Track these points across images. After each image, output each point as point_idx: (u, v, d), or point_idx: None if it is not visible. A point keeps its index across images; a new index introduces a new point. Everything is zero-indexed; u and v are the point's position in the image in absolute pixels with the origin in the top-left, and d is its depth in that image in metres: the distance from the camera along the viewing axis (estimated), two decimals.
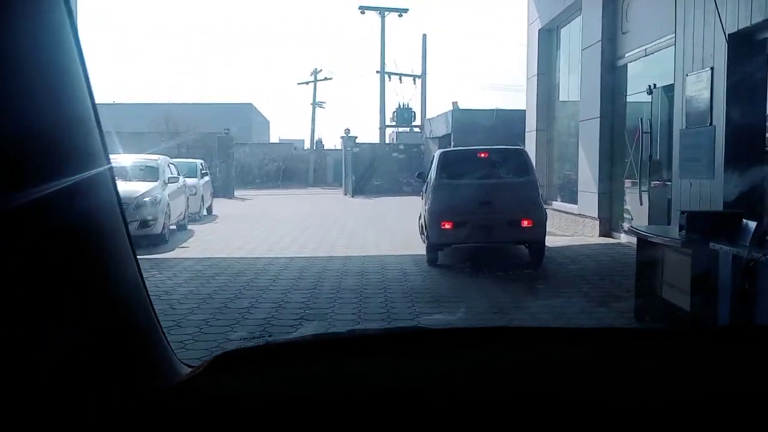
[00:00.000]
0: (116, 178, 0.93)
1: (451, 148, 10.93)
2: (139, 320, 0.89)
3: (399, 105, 38.46)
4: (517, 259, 10.39)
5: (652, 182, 10.59)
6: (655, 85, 10.60)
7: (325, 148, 43.66)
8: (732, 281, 4.68)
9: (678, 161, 9.15)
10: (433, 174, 10.44)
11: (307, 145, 46.44)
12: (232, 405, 0.80)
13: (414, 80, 38.52)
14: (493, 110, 29.82)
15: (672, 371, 0.91)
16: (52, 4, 0.78)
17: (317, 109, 49.08)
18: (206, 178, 19.62)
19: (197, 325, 6.19)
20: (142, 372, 0.86)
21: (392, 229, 15.16)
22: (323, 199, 29.21)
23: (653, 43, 10.67)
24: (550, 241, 10.79)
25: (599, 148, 12.28)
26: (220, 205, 22.39)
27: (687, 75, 8.97)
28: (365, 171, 32.16)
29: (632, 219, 11.87)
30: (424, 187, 11.84)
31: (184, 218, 14.82)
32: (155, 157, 14.17)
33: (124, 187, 11.00)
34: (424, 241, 12.34)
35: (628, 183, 12.03)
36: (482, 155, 10.75)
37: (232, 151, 31.89)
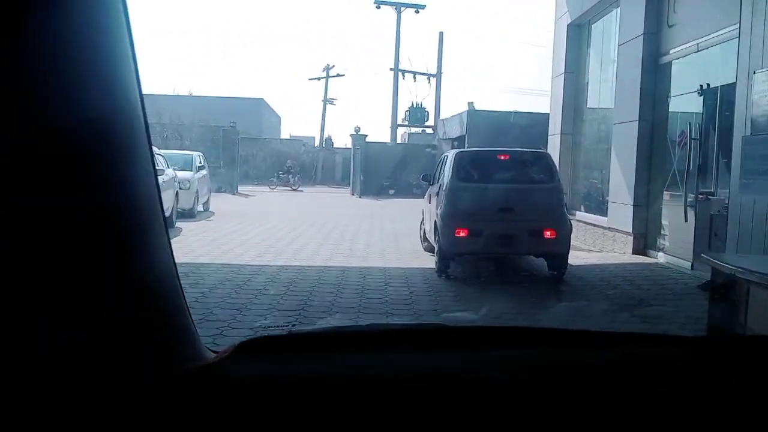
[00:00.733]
0: None
1: (469, 149, 9.50)
2: (168, 305, 0.89)
3: (412, 104, 37.07)
4: (535, 272, 9.05)
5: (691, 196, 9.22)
6: (708, 84, 9.20)
7: (335, 146, 42.44)
8: None
9: (739, 173, 7.75)
10: (447, 176, 9.10)
11: (317, 143, 45.20)
12: (255, 390, 0.83)
13: (428, 79, 37.14)
14: (510, 112, 28.44)
15: (689, 376, 0.92)
16: None
17: (328, 107, 47.91)
18: (203, 172, 18.31)
19: None
20: (168, 356, 0.86)
21: (400, 235, 13.80)
22: (329, 198, 27.89)
23: (708, 37, 9.27)
24: (576, 258, 9.44)
25: (637, 154, 10.88)
26: (219, 202, 21.12)
27: (755, 73, 7.58)
28: (374, 171, 30.81)
29: (668, 236, 10.49)
30: (430, 190, 10.51)
31: (171, 214, 13.53)
32: None
33: None
34: (425, 250, 11.05)
35: (665, 195, 10.66)
36: (502, 157, 9.40)
37: (238, 145, 30.57)
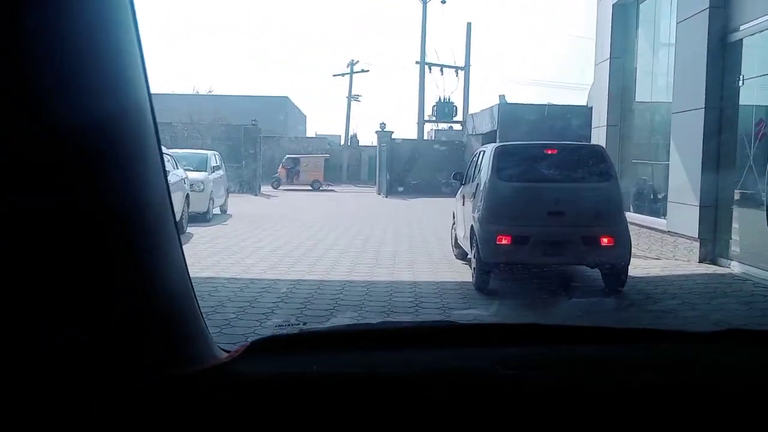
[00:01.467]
0: None
1: (510, 142, 8.19)
2: (180, 305, 0.89)
3: (439, 99, 35.70)
4: (590, 285, 7.76)
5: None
6: None
7: (361, 143, 41.30)
8: None
9: None
10: (485, 174, 7.83)
11: (342, 141, 44.13)
12: (267, 389, 0.84)
13: (456, 72, 35.77)
14: (544, 105, 26.97)
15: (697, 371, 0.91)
16: None
17: (353, 103, 46.79)
18: (219, 173, 17.21)
19: None
20: (181, 355, 0.86)
21: (430, 241, 12.53)
22: (354, 198, 26.71)
23: None
24: (634, 267, 8.08)
25: (703, 147, 9.46)
26: (239, 203, 20.06)
27: None
28: (401, 169, 29.55)
29: (743, 242, 9.07)
30: (463, 190, 9.23)
31: (180, 218, 12.43)
32: None
33: None
34: (457, 257, 9.80)
35: (737, 195, 9.25)
36: (550, 152, 8.08)
37: (260, 143, 29.50)
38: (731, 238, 9.24)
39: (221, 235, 12.69)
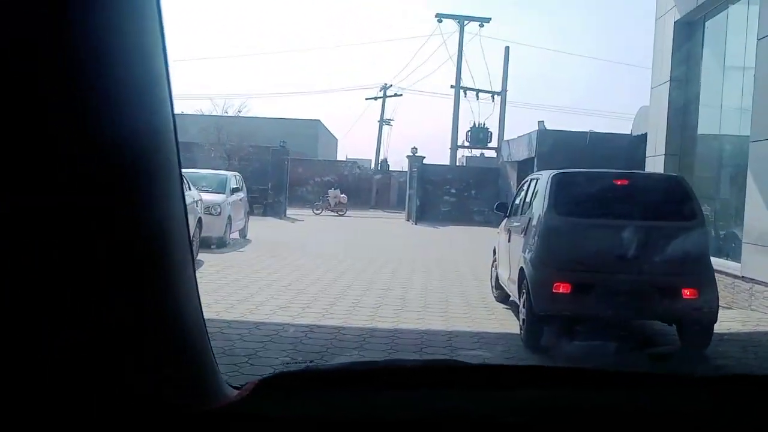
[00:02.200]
0: None
1: (571, 170, 6.90)
2: (192, 341, 0.89)
3: (474, 124, 34.48)
4: (665, 342, 6.40)
5: None
6: None
7: (391, 168, 40.21)
8: None
9: None
10: (540, 207, 6.55)
11: (373, 165, 43.12)
12: (276, 428, 0.85)
13: (492, 97, 34.55)
14: (585, 132, 25.56)
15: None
16: (145, 11, 0.80)
17: (385, 128, 45.80)
18: (239, 195, 16.12)
19: None
20: (191, 392, 0.87)
21: (465, 277, 11.21)
22: (382, 225, 25.48)
23: None
24: None
25: None
26: (262, 228, 18.97)
27: None
28: (432, 195, 28.27)
29: None
30: (508, 224, 7.94)
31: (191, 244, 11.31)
32: None
33: None
34: (498, 299, 8.53)
35: None
36: (620, 182, 6.77)
37: (288, 165, 28.51)
38: None
39: (234, 264, 11.53)
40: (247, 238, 16.41)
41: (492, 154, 36.64)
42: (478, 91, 34.50)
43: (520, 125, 73.01)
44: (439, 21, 34.15)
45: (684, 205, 6.29)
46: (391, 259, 13.50)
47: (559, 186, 6.45)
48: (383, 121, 45.69)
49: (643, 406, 0.93)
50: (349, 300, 8.48)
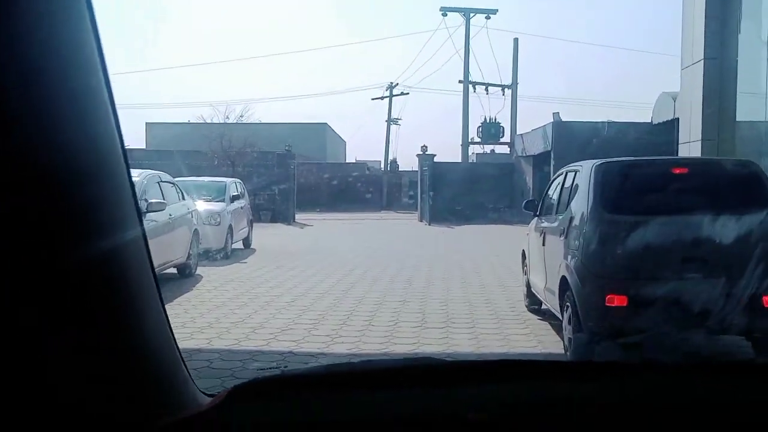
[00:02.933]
0: None
1: (618, 159, 5.81)
2: (162, 350, 0.90)
3: (485, 119, 33.40)
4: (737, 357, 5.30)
5: None
6: None
7: (401, 168, 39.21)
8: None
9: None
10: (582, 203, 5.52)
11: (382, 166, 42.13)
12: None
13: (503, 91, 33.43)
14: (602, 122, 24.41)
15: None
16: (80, 24, 0.80)
17: (393, 127, 44.73)
18: (240, 203, 15.14)
19: None
20: (164, 401, 0.87)
21: (489, 284, 10.16)
22: (395, 226, 24.45)
23: None
24: None
25: None
26: (268, 235, 18.05)
27: None
28: (445, 194, 27.18)
29: None
30: (543, 223, 6.91)
31: (188, 258, 10.34)
32: None
33: None
34: (529, 308, 7.53)
35: None
36: (679, 171, 5.69)
37: (294, 170, 27.57)
38: None
39: (235, 278, 10.54)
40: (251, 247, 15.45)
41: (504, 149, 35.55)
42: (487, 85, 33.43)
43: (532, 119, 71.39)
44: (444, 15, 33.04)
45: (759, 195, 5.21)
46: (406, 264, 12.46)
47: (606, 178, 5.40)
48: (391, 121, 44.64)
49: (608, 394, 0.93)
50: (362, 318, 7.46)
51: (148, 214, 8.59)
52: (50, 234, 0.73)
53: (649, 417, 0.89)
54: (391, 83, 44.20)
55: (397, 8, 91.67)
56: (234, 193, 14.88)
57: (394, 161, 41.31)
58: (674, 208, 5.26)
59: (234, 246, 14.02)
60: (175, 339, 0.94)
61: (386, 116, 44.63)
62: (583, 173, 5.75)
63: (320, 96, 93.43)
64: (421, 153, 28.23)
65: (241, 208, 15.09)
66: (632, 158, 6.37)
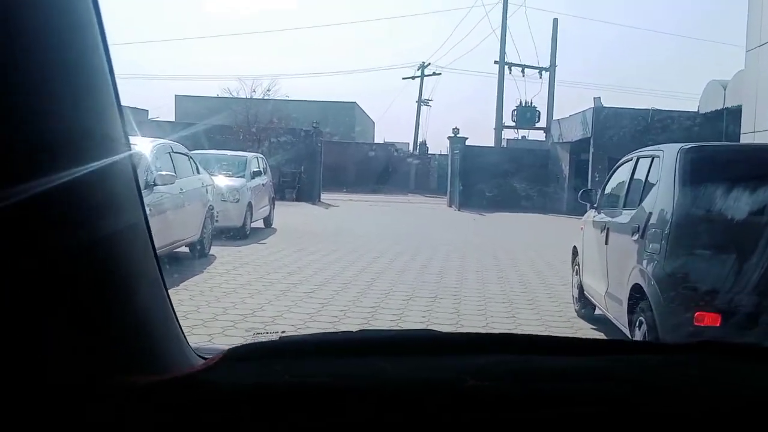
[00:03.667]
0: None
1: (712, 144, 4.82)
2: (155, 311, 0.89)
3: (520, 102, 32.16)
4: None
5: None
6: None
7: (430, 151, 38.22)
8: None
9: None
10: (665, 195, 4.54)
11: (411, 148, 41.16)
12: (241, 398, 0.81)
13: (540, 74, 32.12)
14: (647, 110, 23.11)
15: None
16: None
17: (424, 108, 43.66)
18: (262, 179, 14.29)
19: None
20: (156, 361, 0.85)
21: (529, 281, 9.20)
22: (423, 210, 23.52)
23: None
24: None
25: None
26: (292, 214, 17.28)
27: None
28: (476, 179, 26.11)
29: None
30: (605, 218, 5.92)
31: (201, 237, 9.54)
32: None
33: None
34: (580, 313, 6.60)
35: None
36: None
37: (320, 148, 26.71)
38: None
39: (251, 261, 9.71)
40: (272, 227, 14.65)
41: (538, 135, 34.30)
42: (524, 67, 32.14)
43: (569, 105, 69.52)
44: None
45: None
46: (436, 253, 11.53)
47: (696, 167, 4.40)
48: (421, 102, 43.57)
49: (601, 370, 0.92)
50: (387, 316, 6.56)
51: (155, 188, 7.77)
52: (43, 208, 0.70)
53: (658, 392, 0.84)
54: (423, 63, 43.08)
55: None
56: (255, 169, 14.02)
57: (424, 143, 40.31)
58: None
59: (254, 225, 13.20)
60: (167, 291, 0.89)
61: (417, 97, 43.67)
62: (665, 160, 4.74)
63: (349, 74, 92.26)
64: (453, 135, 27.17)
65: (263, 185, 14.24)
66: (723, 143, 5.33)
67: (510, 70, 32.10)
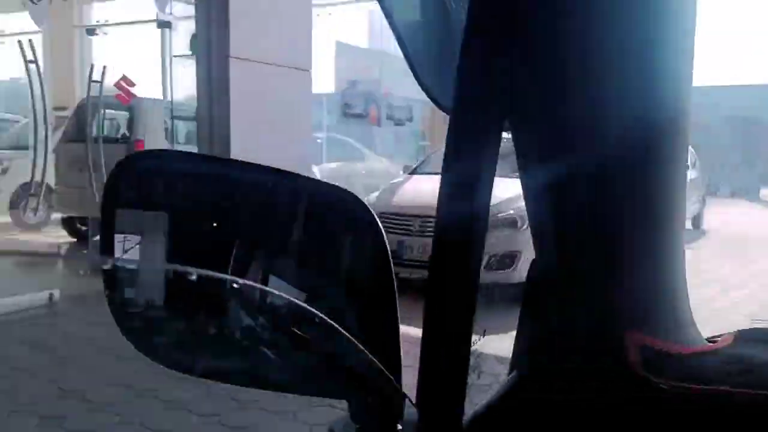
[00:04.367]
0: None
1: None
2: (674, 275, 0.76)
3: None
4: None
5: None
6: None
7: None
8: None
9: None
10: None
11: None
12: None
13: None
14: None
15: None
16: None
17: None
18: (691, 174, 12.74)
19: None
20: (663, 330, 0.73)
21: None
22: None
23: None
24: None
25: None
26: (725, 213, 15.16)
27: None
28: None
29: None
30: None
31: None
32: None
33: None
34: None
35: None
36: None
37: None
38: None
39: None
40: (701, 227, 13.00)
41: None
42: None
43: None
44: None
45: None
46: None
47: None
48: None
49: None
50: None
51: None
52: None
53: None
54: None
55: None
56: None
57: None
58: None
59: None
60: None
61: None
62: None
63: None
64: None
65: (691, 180, 12.65)
66: None
67: None
